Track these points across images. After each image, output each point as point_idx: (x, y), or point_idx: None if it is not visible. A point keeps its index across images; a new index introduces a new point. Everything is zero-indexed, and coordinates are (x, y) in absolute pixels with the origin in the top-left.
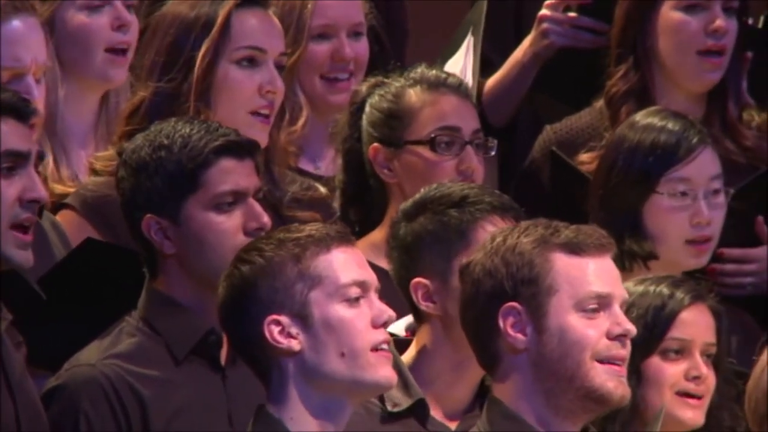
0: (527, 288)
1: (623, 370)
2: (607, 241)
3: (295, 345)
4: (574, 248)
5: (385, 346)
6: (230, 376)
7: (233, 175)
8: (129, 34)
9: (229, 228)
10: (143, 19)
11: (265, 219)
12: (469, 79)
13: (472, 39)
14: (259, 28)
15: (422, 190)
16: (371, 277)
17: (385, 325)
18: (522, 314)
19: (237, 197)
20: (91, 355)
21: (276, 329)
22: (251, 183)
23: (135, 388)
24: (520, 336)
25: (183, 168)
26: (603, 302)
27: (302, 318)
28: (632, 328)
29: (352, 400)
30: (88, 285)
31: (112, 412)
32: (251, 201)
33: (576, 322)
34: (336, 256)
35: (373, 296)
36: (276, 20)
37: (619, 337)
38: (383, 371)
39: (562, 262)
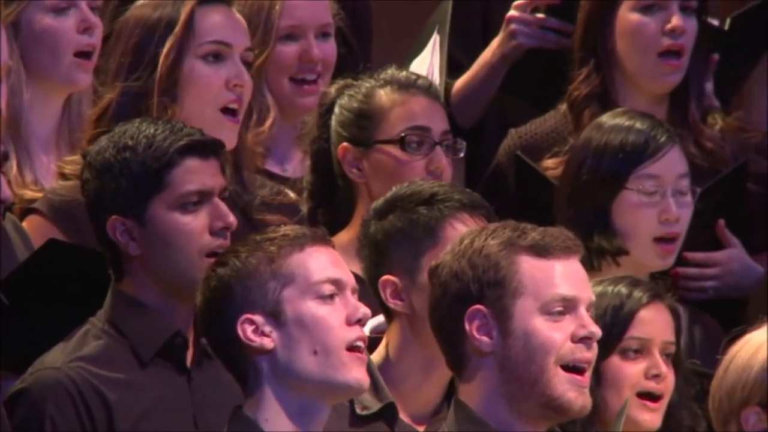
0: (493, 291)
1: (586, 379)
2: (573, 243)
3: (267, 343)
4: (541, 251)
5: (359, 344)
6: (196, 378)
7: (198, 174)
8: (95, 36)
9: (194, 228)
10: (108, 25)
11: (231, 218)
12: (435, 79)
13: (437, 38)
14: (222, 24)
15: (393, 188)
16: (347, 276)
17: (360, 322)
18: (488, 317)
19: (202, 197)
20: (57, 357)
21: (249, 328)
22: (216, 182)
23: (100, 391)
24: (485, 339)
25: (148, 168)
26: (568, 305)
27: (275, 316)
28: (597, 331)
29: (325, 401)
30: (51, 286)
31: (78, 416)
32: (216, 201)
33: (541, 325)
34: (310, 254)
35: (349, 295)
36: (239, 16)
37: (584, 340)
38: (355, 373)
39: (528, 265)
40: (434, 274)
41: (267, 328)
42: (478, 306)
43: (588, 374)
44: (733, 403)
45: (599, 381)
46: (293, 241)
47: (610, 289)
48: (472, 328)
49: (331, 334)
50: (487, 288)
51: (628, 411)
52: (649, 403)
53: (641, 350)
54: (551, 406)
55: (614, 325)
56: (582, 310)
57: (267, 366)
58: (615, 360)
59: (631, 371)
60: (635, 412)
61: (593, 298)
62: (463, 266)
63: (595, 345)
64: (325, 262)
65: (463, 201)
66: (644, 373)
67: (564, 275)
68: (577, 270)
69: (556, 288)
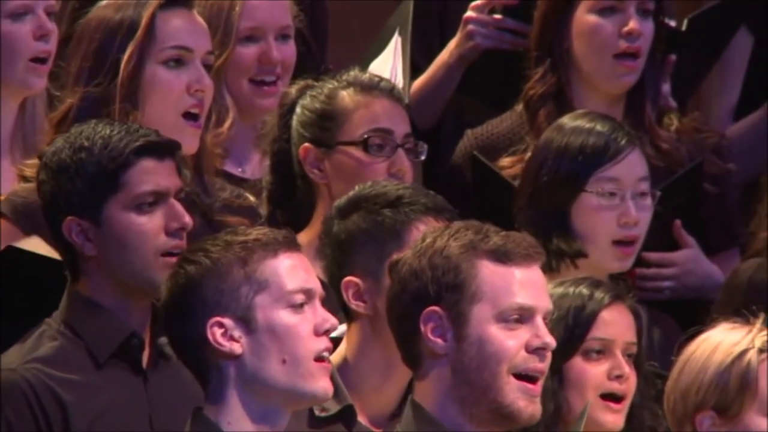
0: (451, 294)
1: (537, 388)
2: (535, 251)
3: (236, 348)
4: (501, 256)
5: (326, 354)
6: (152, 379)
7: (154, 175)
8: (50, 43)
9: (150, 229)
10: (69, 27)
11: (187, 219)
12: (399, 81)
13: (399, 39)
14: (184, 28)
15: (357, 187)
16: (316, 285)
17: (327, 332)
18: (443, 319)
19: (158, 197)
20: (12, 359)
21: (219, 331)
22: (172, 183)
23: (56, 393)
24: (439, 341)
25: (103, 169)
26: (525, 314)
27: (246, 321)
28: (552, 342)
29: (288, 408)
30: (9, 293)
31: (33, 417)
32: (172, 201)
33: (496, 333)
34: (283, 261)
35: (317, 304)
36: (200, 19)
37: (538, 350)
38: (322, 383)
39: (488, 270)
40: (394, 269)
41: (236, 333)
42: (434, 308)
43: (540, 383)
44: (688, 406)
45: (562, 382)
46: (266, 246)
47: (571, 290)
48: (426, 329)
49: (301, 344)
50: (445, 291)
51: (590, 413)
52: (612, 405)
53: (604, 351)
54: (501, 413)
55: (576, 327)
56: (538, 319)
57: (233, 371)
58: (578, 361)
59: (594, 372)
60: (599, 413)
61: (551, 307)
62: (423, 266)
63: (549, 355)
64: (298, 270)
65: (428, 204)
66: (607, 373)
67: (523, 283)
68: (536, 278)
69: (514, 296)
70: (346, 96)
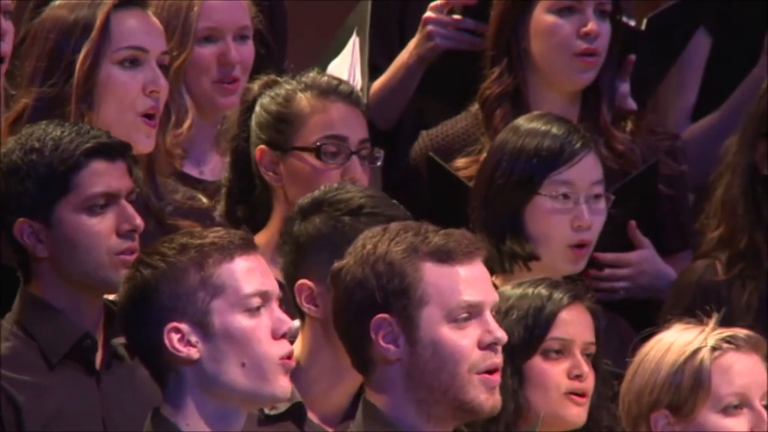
0: (398, 300)
1: (496, 378)
2: (475, 247)
3: (194, 353)
4: (444, 257)
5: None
6: (105, 380)
7: (105, 176)
8: (6, 42)
9: (101, 230)
10: (26, 25)
11: (138, 221)
12: (357, 81)
13: (357, 39)
14: (139, 28)
15: (322, 188)
16: (273, 287)
17: (284, 336)
18: (393, 325)
19: (109, 199)
20: None
21: (176, 337)
22: (123, 185)
23: (9, 393)
24: (392, 347)
25: (54, 171)
26: (474, 311)
27: (203, 326)
28: (503, 336)
29: (247, 408)
30: None
31: None
32: (123, 203)
33: (448, 334)
34: (239, 264)
35: (274, 306)
36: (155, 19)
37: (491, 346)
38: (282, 382)
39: (432, 272)
40: (337, 278)
41: (193, 338)
42: (383, 315)
43: (498, 373)
44: (642, 405)
45: (522, 382)
46: (222, 249)
47: (530, 291)
48: (378, 336)
49: (259, 347)
50: (392, 297)
51: (554, 410)
52: (576, 398)
53: (563, 351)
54: (463, 409)
55: (536, 327)
56: (487, 314)
57: (191, 375)
58: (537, 361)
59: (553, 372)
60: (563, 408)
61: (497, 299)
62: (367, 274)
63: (500, 348)
64: (254, 273)
65: (390, 216)
66: (567, 373)
67: (468, 281)
68: (479, 273)
69: (461, 295)
70: (303, 99)
